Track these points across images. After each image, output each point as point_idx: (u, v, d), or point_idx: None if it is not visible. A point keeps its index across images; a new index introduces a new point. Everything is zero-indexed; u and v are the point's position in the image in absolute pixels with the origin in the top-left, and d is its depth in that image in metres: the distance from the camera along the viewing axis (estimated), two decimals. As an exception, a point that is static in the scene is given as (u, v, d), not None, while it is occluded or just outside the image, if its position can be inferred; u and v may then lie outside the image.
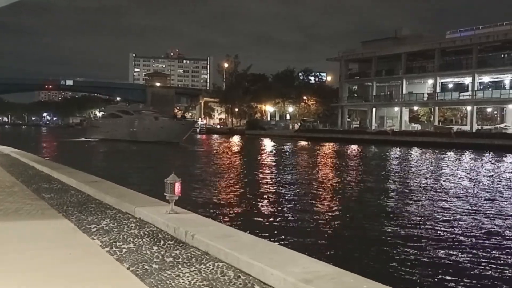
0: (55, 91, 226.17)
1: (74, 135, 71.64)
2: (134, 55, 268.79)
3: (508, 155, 37.80)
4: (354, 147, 49.86)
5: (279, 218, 12.36)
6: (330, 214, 13.51)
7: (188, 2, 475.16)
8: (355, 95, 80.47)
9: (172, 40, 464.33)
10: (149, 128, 54.80)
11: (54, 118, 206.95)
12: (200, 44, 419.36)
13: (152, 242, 4.90)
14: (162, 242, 4.90)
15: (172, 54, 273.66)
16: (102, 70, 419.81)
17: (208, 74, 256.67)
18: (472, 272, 8.14)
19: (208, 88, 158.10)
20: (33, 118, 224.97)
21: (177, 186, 5.65)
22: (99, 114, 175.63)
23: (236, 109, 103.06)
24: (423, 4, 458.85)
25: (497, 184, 20.43)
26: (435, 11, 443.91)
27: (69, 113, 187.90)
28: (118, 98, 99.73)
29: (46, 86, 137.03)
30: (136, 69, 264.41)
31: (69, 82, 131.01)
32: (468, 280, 7.73)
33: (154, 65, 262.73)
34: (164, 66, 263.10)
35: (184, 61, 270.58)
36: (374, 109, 73.80)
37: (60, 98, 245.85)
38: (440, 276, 7.90)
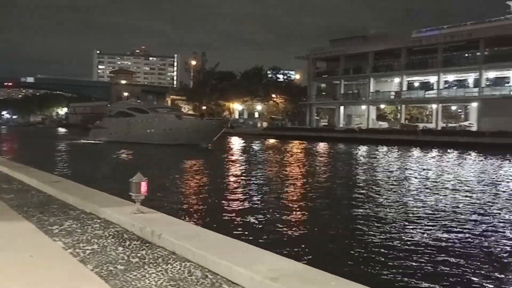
0: (15, 89, 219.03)
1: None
2: (98, 51, 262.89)
3: (471, 152, 39.02)
4: (323, 145, 50.42)
5: (246, 217, 12.36)
6: (297, 211, 13.61)
7: (156, 0, 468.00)
8: (323, 93, 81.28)
9: (139, 38, 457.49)
10: (170, 129, 47.19)
11: (14, 117, 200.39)
12: (169, 42, 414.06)
13: (117, 242, 4.81)
14: (128, 242, 4.81)
15: (138, 51, 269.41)
16: (66, 67, 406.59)
17: (175, 72, 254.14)
18: (439, 270, 8.36)
19: (175, 86, 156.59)
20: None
21: (143, 186, 5.56)
22: (61, 112, 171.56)
23: (204, 107, 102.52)
24: (391, 3, 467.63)
25: (457, 180, 21.09)
26: (403, 11, 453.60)
27: (30, 111, 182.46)
28: (125, 94, 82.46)
29: (6, 84, 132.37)
30: (100, 66, 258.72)
31: (30, 80, 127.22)
32: (437, 278, 7.94)
33: (119, 62, 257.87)
34: (129, 64, 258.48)
35: (150, 58, 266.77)
36: (342, 107, 74.77)
37: (20, 96, 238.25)
38: (407, 273, 8.07)
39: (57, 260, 4.27)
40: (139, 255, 4.38)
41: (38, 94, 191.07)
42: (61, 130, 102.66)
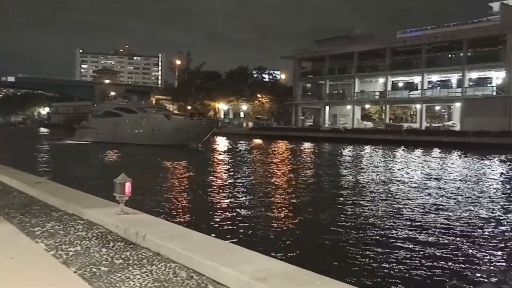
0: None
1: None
2: (81, 50, 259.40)
3: (454, 151, 39.55)
4: (308, 145, 50.58)
5: (232, 217, 12.33)
6: (283, 211, 13.62)
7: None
8: (309, 93, 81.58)
9: (123, 37, 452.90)
10: (159, 129, 46.41)
11: None
12: (153, 41, 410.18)
13: (100, 244, 4.74)
14: (112, 243, 4.75)
15: (121, 50, 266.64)
16: (48, 67, 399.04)
17: (159, 72, 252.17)
18: (423, 268, 8.44)
19: (159, 85, 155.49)
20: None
21: (127, 186, 5.49)
22: (43, 112, 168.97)
23: (189, 107, 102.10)
24: (377, 3, 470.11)
25: (442, 179, 21.36)
26: (389, 11, 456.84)
27: (10, 111, 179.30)
28: (112, 93, 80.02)
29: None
30: (83, 66, 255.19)
31: (11, 79, 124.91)
32: (419, 275, 8.01)
33: (102, 62, 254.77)
34: (113, 63, 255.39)
35: (135, 57, 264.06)
36: (327, 107, 75.15)
37: (1, 96, 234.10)
38: (391, 272, 8.13)
39: (40, 262, 4.19)
40: (123, 256, 4.32)
41: (19, 93, 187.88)
42: (43, 130, 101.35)
